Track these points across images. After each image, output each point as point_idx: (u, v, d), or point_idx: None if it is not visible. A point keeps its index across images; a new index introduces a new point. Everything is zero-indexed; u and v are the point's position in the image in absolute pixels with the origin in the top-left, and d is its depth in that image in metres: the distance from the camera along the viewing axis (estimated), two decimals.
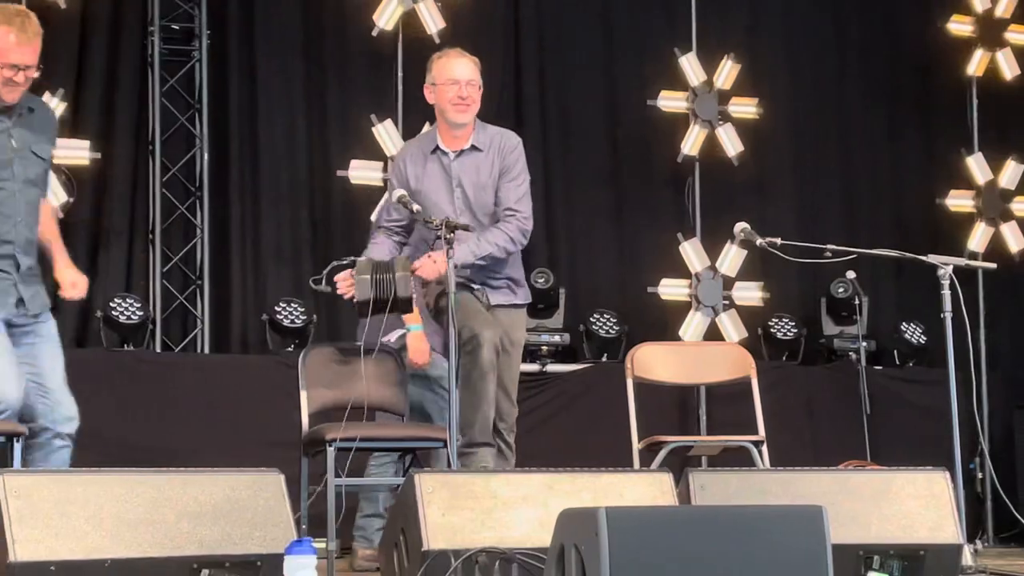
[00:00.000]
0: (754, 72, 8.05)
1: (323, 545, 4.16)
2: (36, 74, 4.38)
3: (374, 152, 7.33)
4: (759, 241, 4.98)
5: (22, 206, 4.35)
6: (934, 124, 8.48)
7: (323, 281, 4.74)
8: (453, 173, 4.96)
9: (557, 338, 7.41)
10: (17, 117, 4.42)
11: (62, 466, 4.09)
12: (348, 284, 4.67)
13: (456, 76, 4.96)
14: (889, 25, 8.50)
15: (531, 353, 7.37)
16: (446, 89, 4.94)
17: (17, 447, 4.17)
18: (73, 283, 4.44)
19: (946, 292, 4.77)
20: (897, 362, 7.89)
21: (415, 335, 5.25)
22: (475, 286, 4.86)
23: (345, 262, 4.75)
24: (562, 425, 7.06)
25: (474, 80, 4.99)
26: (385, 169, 7.34)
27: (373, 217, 5.02)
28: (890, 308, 8.20)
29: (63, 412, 4.23)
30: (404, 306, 4.61)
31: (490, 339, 4.68)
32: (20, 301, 4.28)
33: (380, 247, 4.94)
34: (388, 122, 7.37)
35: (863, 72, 8.53)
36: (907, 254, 5.22)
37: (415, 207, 4.73)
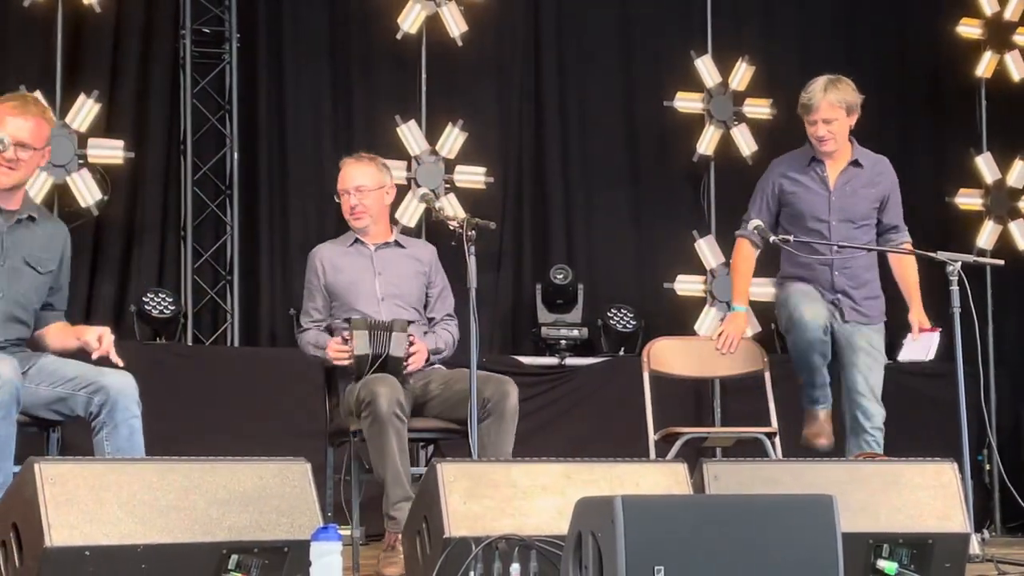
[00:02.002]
0: (768, 74, 8.11)
1: (347, 532, 4.24)
2: (41, 160, 4.10)
3: (398, 151, 7.39)
4: (772, 239, 5.04)
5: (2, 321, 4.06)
6: (944, 125, 8.53)
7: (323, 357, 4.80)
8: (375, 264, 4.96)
9: (575, 332, 7.48)
10: (15, 223, 4.13)
11: (135, 431, 4.02)
12: (340, 350, 4.72)
13: (343, 186, 4.99)
14: (900, 28, 8.57)
15: (550, 347, 7.52)
16: (342, 200, 4.99)
17: (54, 436, 4.25)
18: (99, 336, 4.13)
19: (955, 288, 4.82)
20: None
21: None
22: None
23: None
24: (580, 416, 7.16)
25: (363, 186, 4.94)
26: (409, 168, 7.51)
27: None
28: (904, 305, 8.28)
29: (97, 384, 4.05)
30: (395, 365, 4.64)
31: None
32: None
33: (322, 335, 4.91)
34: (412, 122, 7.46)
35: (874, 74, 8.54)
36: (917, 251, 5.34)
37: (437, 205, 4.85)
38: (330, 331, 4.94)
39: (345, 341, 4.73)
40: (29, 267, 4.15)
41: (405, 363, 4.68)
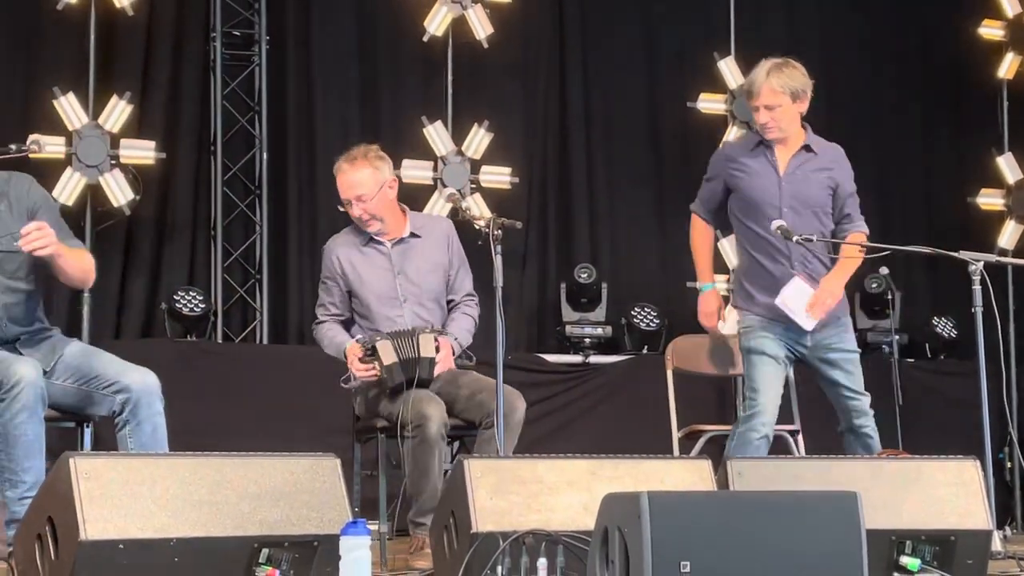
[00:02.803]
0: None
1: (375, 527, 4.27)
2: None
3: (425, 152, 7.47)
4: (795, 238, 4.87)
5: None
6: (965, 125, 8.52)
7: (351, 379, 4.76)
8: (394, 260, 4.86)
9: (599, 330, 7.52)
10: None
11: (158, 427, 4.01)
12: (367, 370, 4.63)
13: (344, 195, 4.86)
14: (922, 30, 8.58)
15: (574, 345, 7.57)
16: (347, 209, 4.87)
17: (88, 431, 4.27)
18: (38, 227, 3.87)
19: (977, 287, 4.74)
20: (929, 355, 7.94)
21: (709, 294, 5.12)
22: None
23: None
24: (604, 414, 7.19)
25: (364, 195, 4.79)
26: (435, 168, 7.57)
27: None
28: (922, 303, 8.23)
29: (120, 383, 4.03)
30: (428, 366, 4.60)
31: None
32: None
33: (341, 331, 4.87)
34: (438, 123, 7.53)
35: (897, 75, 8.59)
36: (939, 250, 5.32)
37: (464, 205, 4.80)
38: (347, 325, 4.91)
39: (366, 354, 4.66)
40: (5, 252, 4.04)
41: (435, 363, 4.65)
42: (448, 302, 4.97)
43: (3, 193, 4.07)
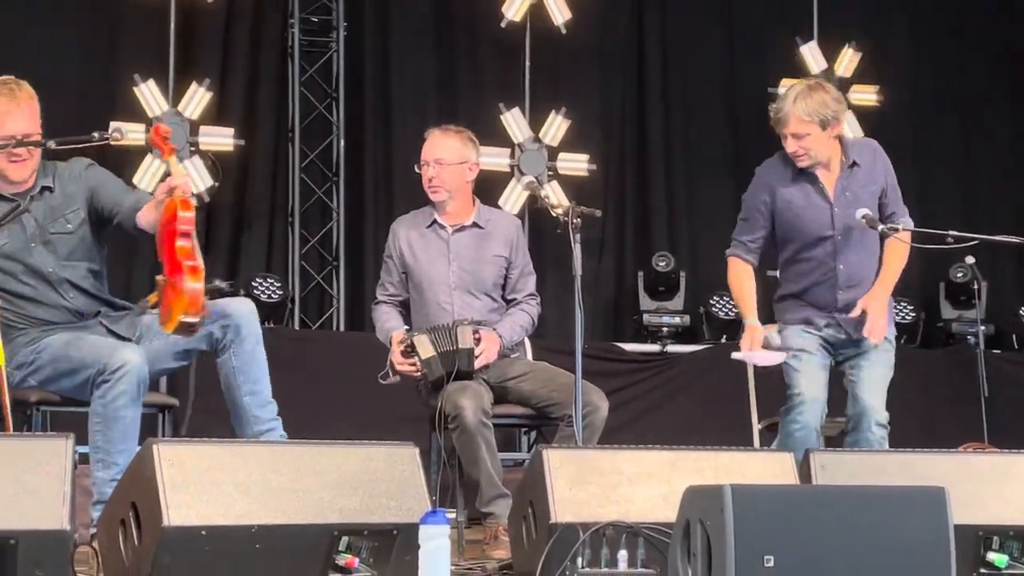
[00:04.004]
0: (875, 60, 8.05)
1: (451, 515, 4.23)
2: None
3: (502, 139, 7.47)
4: (880, 227, 4.70)
5: (67, 288, 4.12)
6: None
7: (388, 374, 4.74)
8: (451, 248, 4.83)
9: (677, 319, 7.50)
10: (29, 200, 4.10)
11: (259, 343, 4.12)
12: (407, 364, 4.64)
13: (424, 156, 4.83)
14: (1010, 14, 8.44)
15: (651, 334, 7.53)
16: (422, 172, 4.85)
17: (167, 418, 4.33)
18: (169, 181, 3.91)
19: None
20: (1015, 346, 7.87)
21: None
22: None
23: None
24: (682, 404, 7.16)
25: (443, 159, 4.77)
26: (512, 156, 7.55)
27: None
28: (1009, 293, 8.16)
29: (224, 311, 4.10)
30: (467, 357, 4.60)
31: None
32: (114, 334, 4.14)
33: (394, 316, 4.87)
34: (516, 110, 7.53)
35: (984, 60, 8.45)
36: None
37: (542, 193, 4.75)
38: (405, 306, 4.93)
39: (408, 351, 4.66)
40: (59, 235, 4.13)
41: (476, 355, 4.63)
42: (509, 301, 4.94)
43: (55, 177, 4.16)
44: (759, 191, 4.81)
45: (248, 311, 4.18)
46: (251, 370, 4.12)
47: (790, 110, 4.59)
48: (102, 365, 3.87)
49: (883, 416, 4.61)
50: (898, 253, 4.74)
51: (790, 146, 4.67)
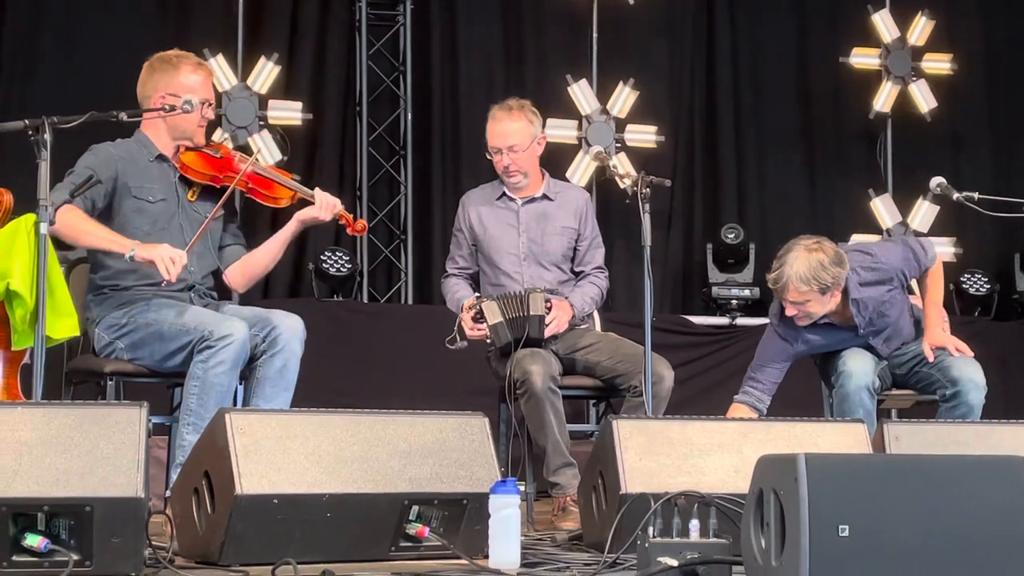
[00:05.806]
0: (948, 27, 7.93)
1: (520, 486, 4.37)
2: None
3: (570, 111, 7.43)
4: (956, 196, 4.79)
5: (193, 261, 4.27)
6: None
7: (456, 339, 4.76)
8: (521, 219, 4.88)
9: (747, 292, 7.44)
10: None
11: (289, 365, 4.15)
12: (475, 328, 4.68)
13: (495, 143, 4.86)
14: None
15: (720, 306, 7.48)
16: (494, 158, 4.87)
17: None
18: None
19: None
20: None
21: None
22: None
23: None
24: None
25: (517, 145, 4.81)
26: (580, 128, 7.52)
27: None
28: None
29: (267, 321, 4.19)
30: (537, 324, 4.62)
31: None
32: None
33: (464, 286, 4.92)
34: (583, 82, 7.48)
35: None
36: None
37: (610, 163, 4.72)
38: (475, 279, 4.95)
39: (477, 316, 4.69)
40: (199, 215, 4.36)
41: (547, 323, 4.64)
42: (577, 273, 4.96)
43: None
44: (774, 341, 4.87)
45: (294, 327, 4.17)
46: (266, 390, 4.14)
47: (787, 279, 4.56)
48: (207, 331, 4.01)
49: (981, 379, 4.73)
50: (936, 279, 4.86)
51: (789, 310, 4.69)
